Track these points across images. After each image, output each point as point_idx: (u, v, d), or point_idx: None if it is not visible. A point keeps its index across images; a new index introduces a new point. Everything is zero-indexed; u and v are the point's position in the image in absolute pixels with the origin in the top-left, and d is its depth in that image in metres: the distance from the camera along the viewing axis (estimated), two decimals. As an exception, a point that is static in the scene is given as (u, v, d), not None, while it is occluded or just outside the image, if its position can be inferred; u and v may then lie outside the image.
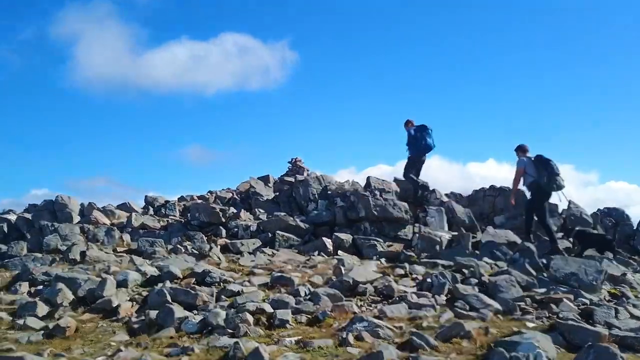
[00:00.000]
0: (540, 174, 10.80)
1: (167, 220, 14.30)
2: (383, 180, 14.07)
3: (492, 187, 14.83)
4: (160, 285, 8.28)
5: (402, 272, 9.18)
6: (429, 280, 8.19)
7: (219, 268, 9.70)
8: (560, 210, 14.19)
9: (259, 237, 12.24)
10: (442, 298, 7.68)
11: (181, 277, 8.90)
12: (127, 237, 12.88)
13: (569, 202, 13.92)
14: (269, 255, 11.01)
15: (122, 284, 8.44)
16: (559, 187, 10.86)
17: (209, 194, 17.08)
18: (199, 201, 15.86)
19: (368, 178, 14.07)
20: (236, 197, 15.90)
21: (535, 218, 11.36)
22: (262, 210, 14.48)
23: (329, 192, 14.69)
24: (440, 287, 7.87)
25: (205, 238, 12.84)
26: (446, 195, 14.96)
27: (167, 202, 15.90)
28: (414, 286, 8.26)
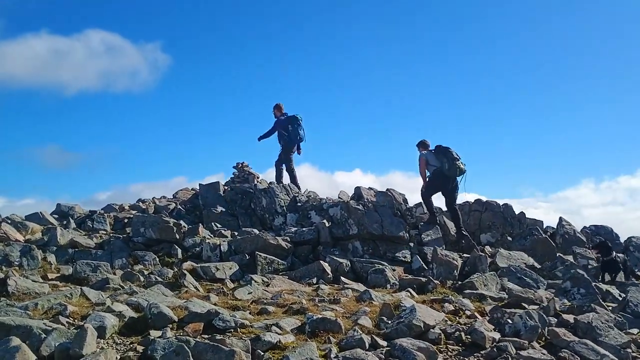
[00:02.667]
0: (442, 162, 11.82)
1: (100, 237, 11.58)
2: (374, 191, 12.40)
3: (478, 200, 13.71)
4: (157, 335, 6.01)
5: (451, 307, 7.57)
6: (509, 321, 6.65)
7: (215, 305, 7.49)
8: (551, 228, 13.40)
9: (234, 260, 10.07)
10: (536, 346, 6.20)
11: (176, 319, 6.63)
12: (52, 259, 10.10)
13: (560, 218, 13.16)
14: (259, 284, 8.92)
15: (98, 333, 6.02)
16: (461, 172, 11.81)
17: (141, 202, 14.41)
18: (134, 212, 13.21)
19: (358, 189, 12.33)
20: (181, 208, 13.44)
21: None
22: (218, 225, 12.22)
23: (298, 203, 12.78)
24: (532, 332, 6.38)
25: (157, 260, 10.46)
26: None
27: (92, 212, 13.07)
28: (493, 329, 6.66)
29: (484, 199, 13.53)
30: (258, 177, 15.69)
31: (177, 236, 11.07)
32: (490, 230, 13.17)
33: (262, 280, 9.08)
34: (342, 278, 9.38)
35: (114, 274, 9.52)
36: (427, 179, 12.21)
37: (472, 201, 13.80)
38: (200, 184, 14.08)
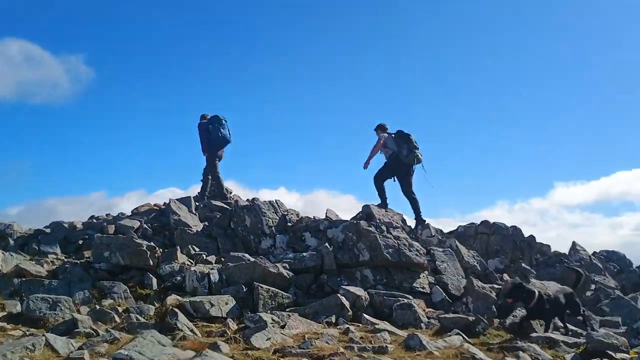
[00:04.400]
0: (401, 147, 11.54)
1: (51, 262, 9.53)
2: (386, 211, 10.91)
3: (485, 222, 12.50)
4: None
5: (528, 358, 6.18)
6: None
7: (232, 358, 5.79)
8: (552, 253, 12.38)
9: (227, 292, 8.34)
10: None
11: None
12: (-7, 292, 8.04)
13: (574, 243, 12.16)
14: (273, 325, 7.24)
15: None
16: (418, 160, 11.57)
17: (94, 219, 12.31)
18: (88, 232, 11.16)
19: (367, 207, 10.79)
20: (147, 227, 11.47)
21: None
22: (196, 248, 10.40)
23: (289, 223, 11.15)
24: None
25: (129, 291, 8.59)
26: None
27: (37, 232, 10.93)
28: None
29: (491, 220, 12.31)
30: (230, 192, 13.92)
31: (151, 262, 9.21)
32: (498, 255, 11.98)
33: (273, 320, 7.39)
34: (365, 315, 7.83)
35: (79, 311, 7.61)
36: (384, 164, 11.92)
37: (479, 223, 12.57)
38: (171, 199, 12.14)
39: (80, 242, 10.72)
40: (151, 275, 8.96)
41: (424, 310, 8.61)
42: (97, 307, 7.78)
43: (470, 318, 7.54)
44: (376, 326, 7.39)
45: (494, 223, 12.41)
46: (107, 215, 12.96)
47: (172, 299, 8.02)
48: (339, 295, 8.12)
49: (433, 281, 9.69)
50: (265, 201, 11.55)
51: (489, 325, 7.59)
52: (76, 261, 9.43)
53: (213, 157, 13.84)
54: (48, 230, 11.12)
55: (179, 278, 8.87)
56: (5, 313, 7.40)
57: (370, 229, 9.58)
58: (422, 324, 7.82)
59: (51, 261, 9.56)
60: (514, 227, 12.31)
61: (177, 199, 12.22)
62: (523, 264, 11.45)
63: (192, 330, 6.91)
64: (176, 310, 7.20)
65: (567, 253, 12.22)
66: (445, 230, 12.61)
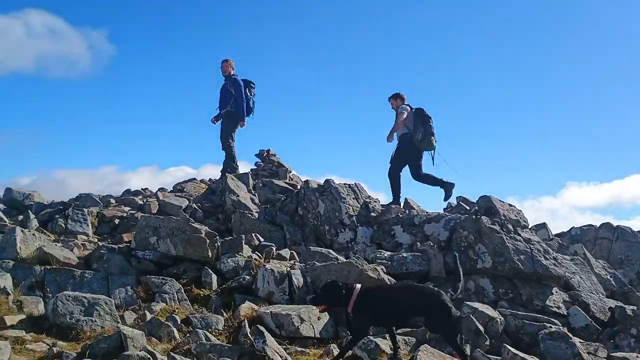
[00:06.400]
0: (417, 129, 10.04)
1: (82, 245, 7.57)
2: (511, 206, 8.75)
3: (606, 225, 10.32)
4: None
5: None
6: None
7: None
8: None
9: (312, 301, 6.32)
10: None
11: None
12: (8, 283, 6.10)
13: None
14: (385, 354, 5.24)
15: None
16: (432, 147, 10.12)
17: (132, 195, 10.31)
18: (127, 209, 9.20)
19: (487, 199, 8.67)
20: (196, 208, 9.47)
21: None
22: (260, 238, 8.38)
23: (372, 213, 9.10)
24: None
25: (183, 291, 6.63)
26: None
27: (63, 205, 8.98)
28: None
29: (614, 223, 10.14)
30: (290, 171, 11.88)
31: (210, 253, 7.20)
32: (622, 265, 9.84)
33: (391, 348, 5.36)
34: (508, 347, 5.75)
35: (122, 318, 5.67)
36: (395, 151, 10.24)
37: (598, 226, 10.41)
38: (226, 174, 10.07)
39: (116, 221, 8.75)
40: (210, 272, 6.95)
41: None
42: (147, 313, 5.80)
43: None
44: (535, 367, 5.36)
45: (617, 226, 10.24)
46: (144, 190, 10.96)
47: (246, 308, 6.02)
48: (471, 317, 6.05)
49: (568, 299, 7.60)
50: (343, 184, 9.49)
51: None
52: (114, 246, 7.45)
53: (235, 124, 11.28)
54: (77, 203, 9.13)
55: (247, 277, 6.85)
56: (23, 316, 5.44)
57: (494, 227, 7.49)
58: (583, 363, 5.76)
59: (82, 244, 7.60)
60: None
61: (234, 175, 10.16)
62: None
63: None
64: (261, 329, 5.20)
65: None
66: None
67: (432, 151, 10.15)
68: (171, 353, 4.69)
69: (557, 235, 10.43)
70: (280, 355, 4.93)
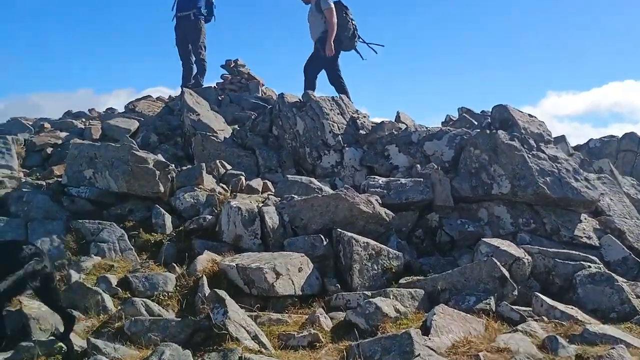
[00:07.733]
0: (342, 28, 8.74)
1: (1, 182, 6.09)
2: (531, 116, 7.29)
3: (630, 135, 9.02)
4: None
5: None
6: None
7: None
8: None
9: (294, 245, 5.02)
10: None
11: None
12: None
13: None
14: (401, 319, 3.98)
15: None
16: (352, 47, 9.03)
17: (73, 118, 8.70)
18: (63, 135, 7.65)
19: (503, 108, 7.17)
20: (149, 132, 7.93)
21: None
22: (227, 165, 6.95)
23: (361, 130, 7.67)
24: None
25: (126, 238, 5.27)
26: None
27: (-17, 133, 7.42)
28: None
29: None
30: (262, 84, 10.28)
31: (162, 188, 5.78)
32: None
33: (398, 310, 4.09)
34: (540, 296, 4.53)
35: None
36: (315, 51, 8.89)
37: (620, 137, 9.10)
38: (184, 89, 8.45)
39: (50, 150, 7.23)
40: (162, 211, 5.55)
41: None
42: (73, 273, 4.43)
43: None
44: (575, 317, 4.19)
45: (643, 135, 8.95)
46: (90, 111, 9.33)
47: (205, 260, 4.67)
48: (494, 259, 4.76)
49: (597, 226, 6.37)
50: (325, 97, 7.97)
51: None
52: (40, 182, 5.98)
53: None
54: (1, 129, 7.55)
55: (208, 217, 5.47)
56: None
57: (514, 143, 6.10)
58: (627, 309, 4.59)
59: (1, 180, 6.11)
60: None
61: (193, 89, 8.55)
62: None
63: (255, 338, 3.59)
64: (221, 295, 3.84)
65: None
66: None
67: (354, 49, 9.09)
68: (91, 339, 3.34)
69: (574, 148, 9.12)
70: (247, 330, 3.62)
